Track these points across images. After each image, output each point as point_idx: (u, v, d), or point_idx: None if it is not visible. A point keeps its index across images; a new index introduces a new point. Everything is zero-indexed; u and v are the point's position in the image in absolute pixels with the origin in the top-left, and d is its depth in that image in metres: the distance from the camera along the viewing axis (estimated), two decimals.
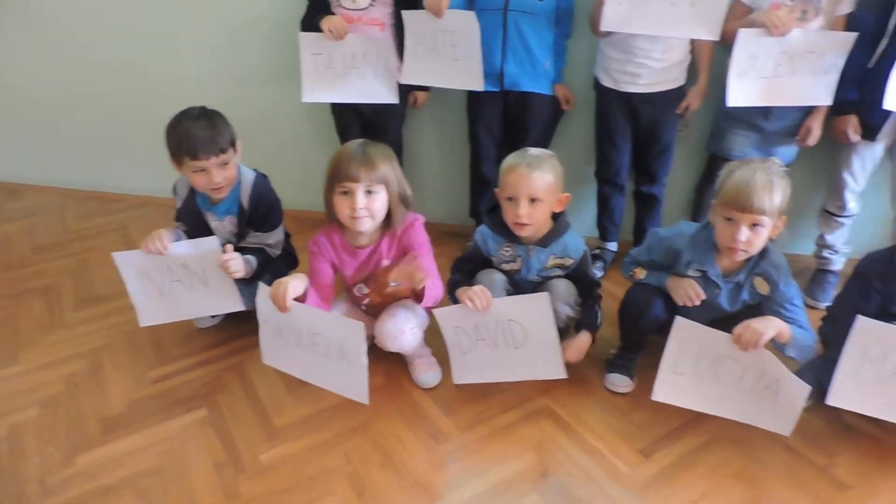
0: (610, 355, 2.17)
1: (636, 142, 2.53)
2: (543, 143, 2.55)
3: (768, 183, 1.70)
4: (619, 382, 2.07)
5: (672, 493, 1.71)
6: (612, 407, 2.02)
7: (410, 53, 2.44)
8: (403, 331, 1.99)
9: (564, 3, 2.39)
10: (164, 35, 3.07)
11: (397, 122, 2.71)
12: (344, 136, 2.69)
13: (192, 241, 2.03)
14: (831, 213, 2.55)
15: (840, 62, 2.10)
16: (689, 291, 1.87)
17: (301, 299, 1.81)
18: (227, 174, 2.07)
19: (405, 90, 2.59)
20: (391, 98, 2.49)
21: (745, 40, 2.09)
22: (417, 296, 1.93)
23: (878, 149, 2.37)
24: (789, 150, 2.42)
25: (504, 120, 2.57)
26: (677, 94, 2.40)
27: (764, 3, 2.19)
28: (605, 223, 2.75)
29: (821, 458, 1.83)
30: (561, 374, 1.93)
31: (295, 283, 1.79)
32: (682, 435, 1.90)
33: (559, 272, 2.06)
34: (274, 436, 1.91)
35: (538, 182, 1.90)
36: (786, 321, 1.78)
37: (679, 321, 1.76)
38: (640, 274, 1.98)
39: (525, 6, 2.33)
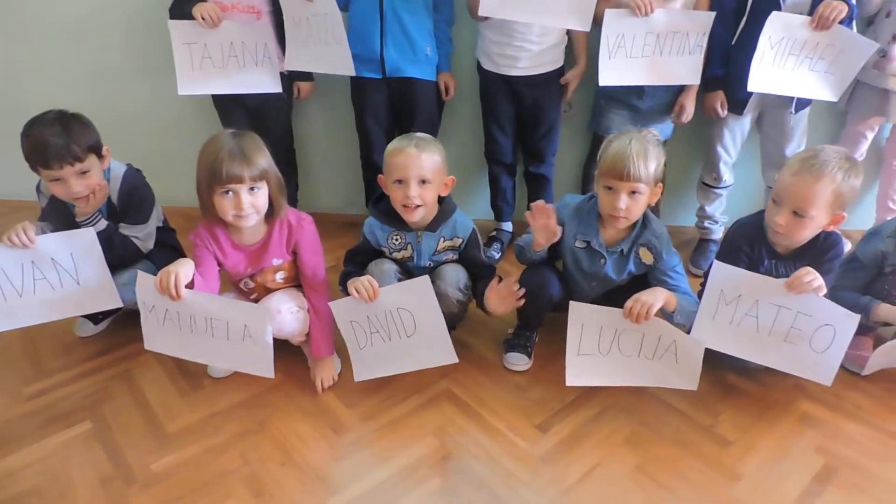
0: (508, 335, 2.21)
1: (521, 123, 2.58)
2: (431, 128, 2.56)
3: (643, 152, 1.78)
4: (518, 361, 2.11)
5: (568, 464, 1.77)
6: (511, 385, 2.06)
7: (291, 39, 2.38)
8: (280, 310, 1.95)
9: None
10: (22, 29, 2.85)
11: (285, 113, 2.65)
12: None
13: (63, 233, 1.90)
14: (708, 185, 2.69)
15: (703, 41, 2.21)
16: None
17: (189, 285, 1.76)
18: (87, 182, 1.94)
19: (289, 81, 2.53)
20: (274, 87, 2.41)
21: (612, 21, 2.17)
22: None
23: (745, 122, 2.52)
24: (665, 128, 2.53)
25: (390, 107, 2.55)
26: (557, 76, 2.46)
27: None
28: (499, 203, 2.80)
29: (706, 418, 1.93)
30: (452, 358, 1.94)
31: (184, 270, 1.74)
32: (577, 408, 1.96)
33: (451, 255, 2.07)
34: (166, 443, 1.82)
35: (427, 163, 1.90)
36: (670, 289, 1.88)
37: (574, 305, 1.82)
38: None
39: None
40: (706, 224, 2.76)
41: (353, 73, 2.36)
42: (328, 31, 2.28)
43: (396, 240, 2.04)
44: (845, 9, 2.09)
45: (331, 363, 2.04)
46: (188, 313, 1.79)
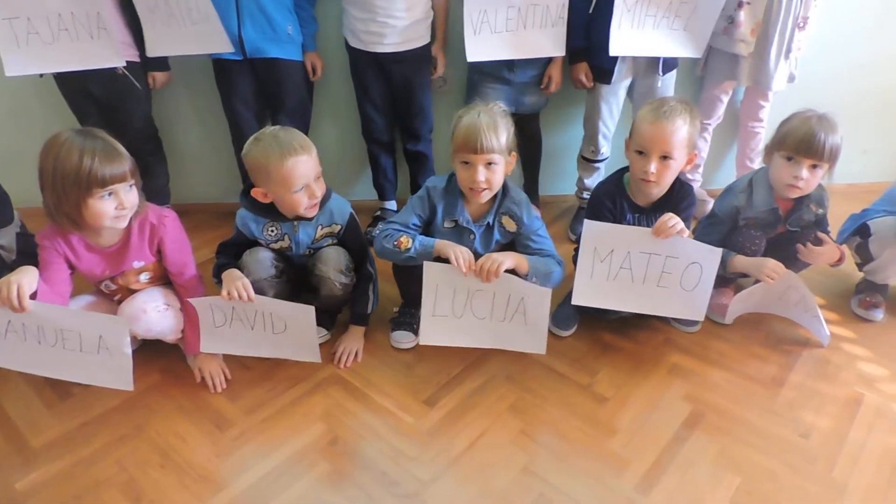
0: (394, 314, 2.21)
1: (394, 101, 2.56)
2: (303, 110, 2.51)
3: (493, 123, 1.81)
4: (404, 339, 2.12)
5: (454, 435, 1.80)
6: (398, 364, 2.07)
7: (149, 25, 2.25)
8: (145, 310, 1.86)
9: None
10: None
11: (141, 105, 2.48)
12: (82, 123, 2.42)
13: None
14: (587, 159, 2.77)
15: (564, 13, 2.26)
16: (460, 257, 1.83)
17: (33, 295, 1.64)
18: None
19: (144, 70, 2.40)
20: (115, 60, 2.23)
21: None
22: None
23: (620, 92, 2.60)
24: (537, 99, 2.58)
25: (257, 89, 2.47)
26: (426, 52, 2.45)
27: None
28: (381, 181, 2.78)
29: (584, 377, 2.01)
30: (316, 358, 1.95)
31: (27, 279, 1.62)
32: (463, 380, 2.00)
33: (331, 241, 2.04)
34: (31, 460, 1.71)
35: (315, 160, 1.89)
36: (535, 252, 1.94)
37: (427, 266, 1.85)
38: (406, 244, 1.90)
39: None
40: (585, 195, 2.85)
41: (230, 50, 2.27)
42: (192, 9, 2.18)
43: (272, 231, 1.98)
44: None
45: (213, 357, 1.98)
46: (35, 325, 1.67)
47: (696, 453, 1.75)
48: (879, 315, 2.26)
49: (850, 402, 1.91)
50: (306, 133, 2.60)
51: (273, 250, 2.01)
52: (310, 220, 1.97)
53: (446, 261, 1.85)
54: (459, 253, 1.82)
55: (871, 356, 2.10)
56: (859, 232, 2.21)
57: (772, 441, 1.78)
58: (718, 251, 1.87)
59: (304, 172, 1.84)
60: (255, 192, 1.91)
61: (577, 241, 2.23)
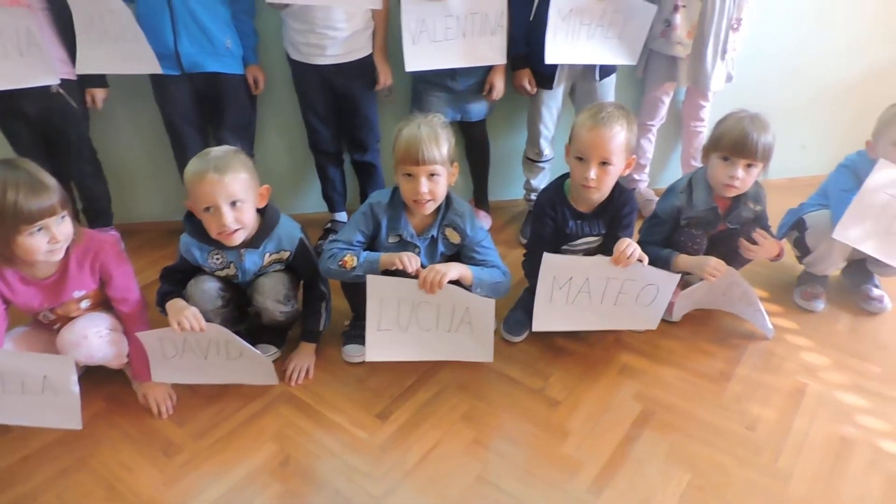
0: (345, 327, 2.20)
1: (339, 112, 2.54)
2: (246, 124, 2.48)
3: (433, 134, 1.81)
4: (356, 353, 2.10)
5: (408, 448, 1.79)
6: (350, 378, 2.05)
7: (83, 40, 2.20)
8: (86, 335, 1.79)
9: None
10: None
11: (79, 124, 2.42)
12: (16, 148, 2.36)
13: None
14: (532, 160, 2.80)
15: (503, 21, 2.28)
16: (404, 258, 1.83)
17: None
18: None
19: (80, 88, 2.34)
20: (48, 78, 2.17)
21: (409, 6, 2.19)
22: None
23: (559, 95, 2.64)
24: (482, 106, 2.60)
25: (198, 104, 2.43)
26: (368, 63, 2.44)
27: None
28: (330, 193, 2.76)
29: (537, 382, 2.02)
30: (272, 380, 1.94)
31: None
32: (415, 391, 1.99)
33: (279, 266, 2.01)
34: None
35: (234, 184, 1.76)
36: (480, 263, 1.94)
37: (371, 279, 1.84)
38: (351, 262, 1.88)
39: None
40: (532, 196, 2.87)
41: (158, 71, 2.23)
42: (125, 26, 2.14)
43: (217, 259, 1.93)
44: None
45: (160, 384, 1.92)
46: None
47: (646, 452, 1.77)
48: (820, 305, 2.32)
49: (794, 393, 1.96)
50: (251, 147, 2.59)
51: (219, 278, 1.96)
52: (256, 248, 1.92)
53: (392, 274, 1.85)
54: (405, 256, 1.82)
55: (813, 346, 2.16)
56: (796, 226, 2.28)
57: (720, 435, 1.81)
58: (676, 277, 1.94)
59: (211, 191, 1.73)
60: (187, 203, 1.85)
61: (527, 245, 2.25)
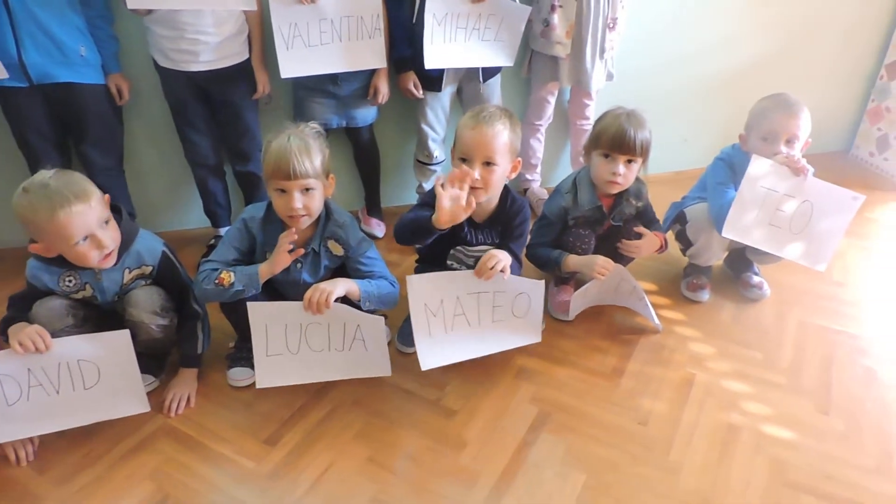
0: (229, 350, 2.07)
1: (216, 121, 2.41)
2: (111, 136, 2.31)
3: (305, 147, 1.73)
4: (241, 376, 1.98)
5: (298, 474, 1.70)
6: (236, 403, 1.93)
7: None
8: None
9: None
10: None
11: None
12: None
13: None
14: (423, 163, 2.76)
15: (380, 23, 2.22)
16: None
17: None
18: None
19: None
20: None
21: (279, 10, 2.11)
22: None
23: (445, 98, 2.61)
24: (368, 111, 2.53)
25: (53, 117, 2.24)
26: (245, 68, 2.32)
27: None
28: (212, 208, 2.62)
29: (433, 392, 1.97)
30: (144, 407, 1.79)
31: None
32: (307, 412, 1.89)
33: (144, 282, 1.87)
34: None
35: (88, 216, 1.64)
36: (366, 275, 1.88)
37: (251, 306, 1.75)
38: (228, 279, 1.78)
39: None
40: None
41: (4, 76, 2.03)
42: None
43: (70, 281, 1.77)
44: None
45: None
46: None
47: (543, 455, 1.75)
48: (706, 296, 2.39)
49: (683, 384, 2.00)
50: (119, 162, 2.41)
51: (74, 299, 1.80)
52: (114, 264, 1.77)
53: (277, 297, 1.76)
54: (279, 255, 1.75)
55: (700, 336, 2.22)
56: (678, 219, 2.34)
57: (613, 432, 1.82)
58: (541, 283, 1.94)
59: (81, 223, 1.62)
60: (35, 248, 1.69)
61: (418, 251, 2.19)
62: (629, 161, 2.03)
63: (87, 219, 1.63)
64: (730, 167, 2.21)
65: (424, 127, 2.64)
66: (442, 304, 1.89)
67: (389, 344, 2.10)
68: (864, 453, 1.77)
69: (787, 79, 3.17)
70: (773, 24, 3.19)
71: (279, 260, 1.76)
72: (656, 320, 2.20)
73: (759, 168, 2.04)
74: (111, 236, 1.71)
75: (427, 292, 1.86)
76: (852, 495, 1.65)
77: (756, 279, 2.42)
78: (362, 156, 2.72)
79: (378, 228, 2.79)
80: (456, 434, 1.82)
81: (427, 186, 2.80)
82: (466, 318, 1.93)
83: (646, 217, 2.22)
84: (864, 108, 3.53)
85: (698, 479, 1.68)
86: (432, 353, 1.92)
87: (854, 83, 3.52)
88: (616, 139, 1.99)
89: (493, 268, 1.83)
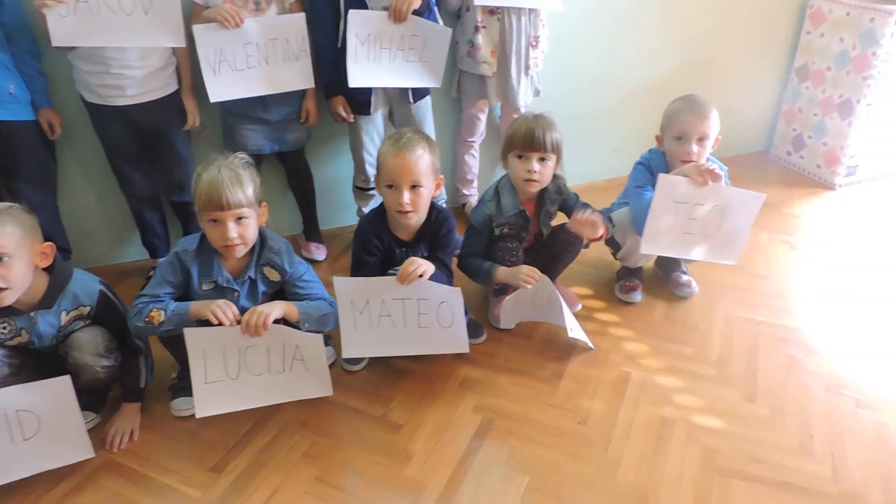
0: (172, 380, 2.06)
1: (149, 153, 2.41)
2: (43, 172, 2.28)
3: (235, 177, 1.76)
4: (185, 406, 1.97)
5: (246, 499, 1.70)
6: (181, 433, 1.93)
7: None
8: None
9: (9, 19, 2.09)
10: None
11: None
12: None
13: None
14: (361, 188, 2.78)
15: (305, 45, 2.26)
16: (219, 312, 1.75)
17: None
18: None
19: None
20: None
21: (202, 36, 2.12)
22: None
23: (378, 121, 2.64)
24: (300, 135, 2.55)
25: None
26: (174, 100, 2.33)
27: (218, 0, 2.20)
28: (150, 239, 2.61)
29: (379, 408, 2.00)
30: (88, 453, 1.77)
31: None
32: (253, 437, 1.90)
33: (83, 323, 1.84)
34: None
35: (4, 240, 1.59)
36: (304, 298, 1.90)
37: (188, 332, 1.75)
38: (158, 317, 1.77)
39: None
40: None
41: None
42: None
43: (3, 328, 1.73)
44: (418, 1, 2.27)
45: None
46: None
47: (487, 462, 1.80)
48: (638, 297, 2.49)
49: (619, 383, 2.08)
50: (53, 197, 2.39)
51: (9, 347, 1.77)
52: (49, 307, 1.75)
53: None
54: (217, 309, 1.73)
55: (634, 335, 2.31)
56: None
57: (554, 434, 1.89)
58: (458, 290, 1.99)
59: None
60: None
61: (352, 274, 2.22)
62: (542, 159, 2.13)
63: None
64: (649, 170, 2.31)
65: (360, 151, 2.65)
66: (368, 304, 1.94)
67: (334, 364, 2.13)
68: (788, 435, 1.88)
69: (708, 86, 3.33)
70: (694, 37, 3.36)
71: (212, 309, 1.74)
72: (584, 335, 2.23)
73: (665, 185, 2.12)
74: (14, 275, 1.61)
75: (353, 291, 1.92)
76: (777, 475, 1.75)
77: (685, 278, 2.53)
78: (295, 180, 2.73)
79: (318, 252, 2.80)
80: (402, 447, 1.85)
81: (367, 210, 2.82)
82: (392, 319, 1.97)
83: (570, 202, 2.28)
84: (779, 109, 3.73)
85: (636, 473, 1.76)
86: (356, 344, 1.99)
87: (769, 87, 3.72)
88: (527, 138, 2.10)
89: (412, 272, 1.88)
